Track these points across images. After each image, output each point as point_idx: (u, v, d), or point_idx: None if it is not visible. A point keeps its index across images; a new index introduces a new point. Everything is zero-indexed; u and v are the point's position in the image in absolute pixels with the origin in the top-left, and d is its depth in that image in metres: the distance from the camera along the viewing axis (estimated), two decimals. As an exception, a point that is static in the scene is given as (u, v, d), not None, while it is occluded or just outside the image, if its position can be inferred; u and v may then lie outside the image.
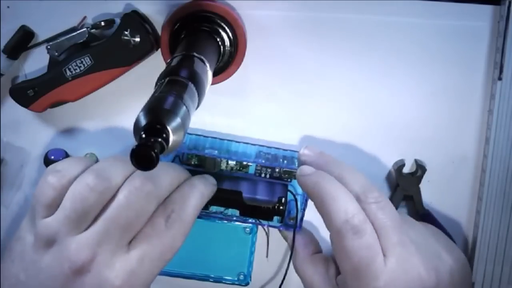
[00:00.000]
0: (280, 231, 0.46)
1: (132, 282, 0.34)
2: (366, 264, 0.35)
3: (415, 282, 0.36)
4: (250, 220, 0.45)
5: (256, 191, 0.44)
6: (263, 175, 0.44)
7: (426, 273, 0.36)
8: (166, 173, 0.37)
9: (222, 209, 0.44)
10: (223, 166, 0.44)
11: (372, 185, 0.38)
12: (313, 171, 0.39)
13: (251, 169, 0.44)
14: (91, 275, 0.33)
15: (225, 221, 0.45)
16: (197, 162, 0.43)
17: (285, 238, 0.45)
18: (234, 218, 0.44)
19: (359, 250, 0.35)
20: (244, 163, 0.44)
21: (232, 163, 0.44)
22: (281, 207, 0.43)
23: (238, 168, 0.44)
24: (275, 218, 0.44)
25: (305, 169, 0.40)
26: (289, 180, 0.44)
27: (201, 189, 0.39)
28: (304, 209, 0.44)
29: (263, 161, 0.43)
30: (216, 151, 0.43)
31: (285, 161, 0.43)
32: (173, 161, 0.43)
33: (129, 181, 0.35)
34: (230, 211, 0.45)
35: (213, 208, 0.44)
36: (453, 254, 0.39)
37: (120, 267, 0.34)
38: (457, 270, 0.38)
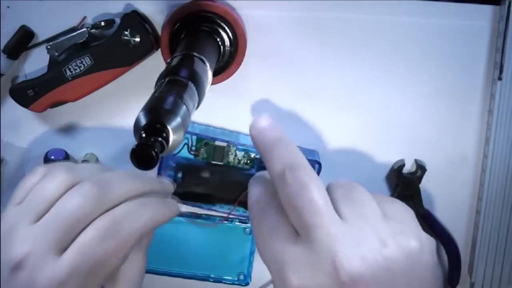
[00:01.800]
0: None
1: None
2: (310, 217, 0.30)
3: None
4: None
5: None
6: None
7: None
8: (122, 182, 0.35)
9: (226, 209, 0.44)
10: (231, 158, 0.43)
11: (293, 165, 0.32)
12: (267, 123, 0.35)
13: (257, 164, 0.44)
14: (23, 274, 0.32)
15: (225, 222, 0.45)
16: (205, 153, 0.43)
17: None
18: (238, 216, 0.44)
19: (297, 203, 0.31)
20: (252, 155, 0.43)
21: (240, 154, 0.43)
22: None
23: (245, 161, 0.44)
24: None
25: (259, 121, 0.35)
26: None
27: (153, 210, 0.35)
28: None
29: None
30: (227, 139, 0.43)
31: None
32: (181, 149, 0.43)
33: (80, 184, 0.34)
34: (236, 209, 0.44)
35: (218, 207, 0.44)
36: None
37: (49, 271, 0.32)
38: None
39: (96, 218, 0.34)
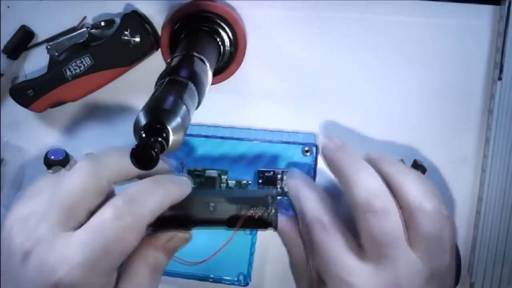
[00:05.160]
0: (279, 232, 0.44)
1: (73, 271, 0.31)
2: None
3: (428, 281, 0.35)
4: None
5: (242, 192, 0.42)
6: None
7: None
8: (113, 157, 0.36)
9: (236, 187, 0.43)
10: (223, 187, 0.44)
11: (382, 191, 0.36)
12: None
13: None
14: (33, 258, 0.32)
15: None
16: (195, 184, 0.40)
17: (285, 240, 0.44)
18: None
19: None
20: (244, 182, 0.44)
21: (231, 182, 0.44)
22: (272, 216, 0.38)
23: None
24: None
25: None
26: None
27: (167, 188, 0.36)
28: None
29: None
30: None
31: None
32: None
33: (79, 163, 0.36)
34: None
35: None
36: (451, 278, 0.38)
37: (60, 251, 0.32)
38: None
39: (100, 194, 0.34)
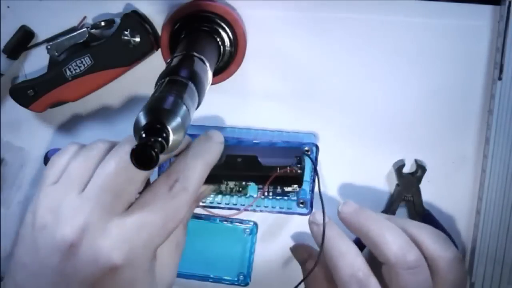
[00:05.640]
0: (293, 250, 0.47)
1: (130, 252, 0.32)
2: None
3: None
4: (261, 208, 0.44)
5: (270, 155, 0.43)
6: (266, 193, 0.44)
7: None
8: None
9: (237, 187, 0.44)
10: (223, 187, 0.43)
11: (411, 246, 0.37)
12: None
13: (252, 190, 0.44)
14: (84, 247, 0.31)
15: (225, 222, 0.45)
16: None
17: (300, 259, 0.46)
18: (243, 209, 0.44)
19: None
20: (243, 183, 0.44)
21: (231, 182, 0.44)
22: (298, 170, 0.43)
23: (237, 189, 0.44)
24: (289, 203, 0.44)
25: (317, 216, 0.40)
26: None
27: (206, 157, 0.37)
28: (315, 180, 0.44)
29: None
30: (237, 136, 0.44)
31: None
32: None
33: (119, 146, 0.34)
34: (239, 204, 0.44)
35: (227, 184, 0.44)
36: None
37: (116, 234, 0.32)
38: None
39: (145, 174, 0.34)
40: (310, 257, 0.45)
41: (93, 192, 0.33)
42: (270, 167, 0.42)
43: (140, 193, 0.35)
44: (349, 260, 0.37)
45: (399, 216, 0.48)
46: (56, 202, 0.33)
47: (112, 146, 0.35)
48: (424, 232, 0.38)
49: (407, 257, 0.36)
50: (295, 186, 0.44)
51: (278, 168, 0.42)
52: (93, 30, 0.44)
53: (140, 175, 0.34)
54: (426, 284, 0.37)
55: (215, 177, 0.39)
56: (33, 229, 0.33)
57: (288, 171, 0.42)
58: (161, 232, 0.33)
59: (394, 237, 0.37)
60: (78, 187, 0.33)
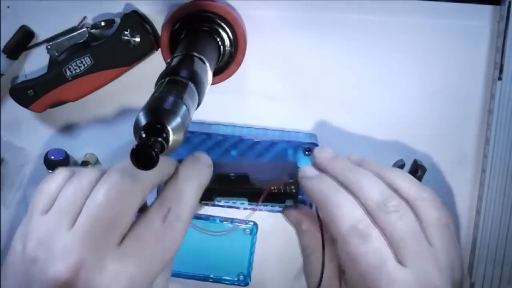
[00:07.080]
0: (286, 213, 0.43)
1: (131, 285, 0.31)
2: (375, 269, 0.34)
3: None
4: (260, 207, 0.42)
5: (263, 172, 0.41)
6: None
7: (441, 283, 0.35)
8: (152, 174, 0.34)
9: (229, 201, 0.43)
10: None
11: (391, 192, 0.36)
12: (316, 174, 0.38)
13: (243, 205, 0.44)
14: (81, 285, 0.30)
15: (225, 222, 0.45)
16: None
17: (294, 221, 0.42)
18: (243, 208, 0.43)
19: (367, 255, 0.34)
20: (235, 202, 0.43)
21: (223, 200, 0.43)
22: (292, 187, 0.40)
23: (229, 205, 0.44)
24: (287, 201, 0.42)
25: (307, 170, 0.38)
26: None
27: (197, 180, 0.36)
28: None
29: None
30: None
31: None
32: None
33: (107, 175, 0.33)
34: (238, 202, 0.43)
35: (219, 200, 0.43)
36: (460, 260, 0.38)
37: (113, 270, 0.31)
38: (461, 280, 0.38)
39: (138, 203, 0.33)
40: (305, 219, 0.41)
41: (85, 226, 0.31)
42: (262, 183, 0.40)
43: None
44: (347, 211, 0.35)
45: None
46: (47, 235, 0.32)
47: (102, 173, 0.34)
48: (398, 177, 0.37)
49: (389, 201, 0.35)
50: (291, 201, 0.41)
51: (271, 186, 0.40)
52: (93, 30, 0.44)
53: (131, 206, 0.33)
54: (414, 224, 0.35)
55: (206, 194, 0.38)
56: (23, 260, 0.32)
57: (281, 186, 0.40)
58: (160, 264, 0.33)
59: (372, 185, 0.36)
60: (69, 220, 0.32)
